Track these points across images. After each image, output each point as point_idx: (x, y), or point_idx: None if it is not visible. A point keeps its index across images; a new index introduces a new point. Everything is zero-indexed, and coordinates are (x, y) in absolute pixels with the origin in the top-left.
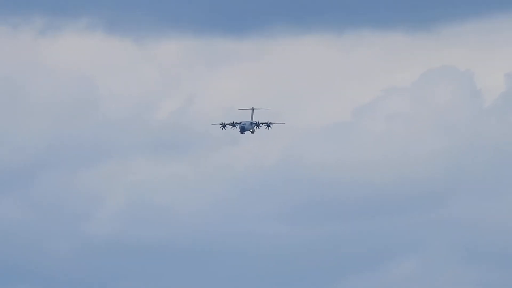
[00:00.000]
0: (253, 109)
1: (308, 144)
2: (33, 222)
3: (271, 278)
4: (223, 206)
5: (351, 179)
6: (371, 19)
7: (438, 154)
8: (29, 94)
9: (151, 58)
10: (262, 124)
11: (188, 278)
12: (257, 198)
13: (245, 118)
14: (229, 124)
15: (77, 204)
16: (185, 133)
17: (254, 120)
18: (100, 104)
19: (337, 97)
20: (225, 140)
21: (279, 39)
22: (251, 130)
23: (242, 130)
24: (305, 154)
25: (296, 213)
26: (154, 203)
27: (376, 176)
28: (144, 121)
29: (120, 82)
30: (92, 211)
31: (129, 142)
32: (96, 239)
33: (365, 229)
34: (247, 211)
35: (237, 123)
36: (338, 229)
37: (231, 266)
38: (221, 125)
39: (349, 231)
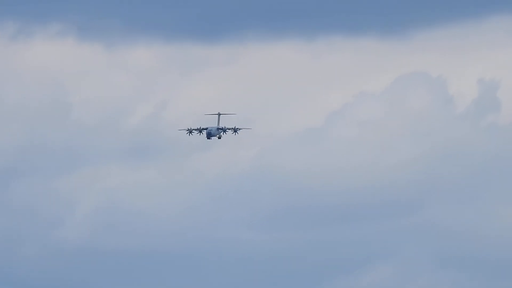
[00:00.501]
0: (219, 114)
1: (279, 150)
2: (5, 228)
3: (245, 285)
4: (197, 213)
5: (324, 185)
6: (342, 24)
7: (410, 160)
8: (0, 99)
9: (122, 64)
10: (229, 129)
11: (162, 284)
12: (230, 204)
13: (212, 123)
14: (195, 129)
15: (49, 210)
16: (158, 139)
17: (221, 126)
18: (71, 110)
19: (309, 103)
20: (197, 146)
21: (250, 45)
22: (217, 136)
23: (209, 135)
24: (276, 160)
25: (268, 220)
26: (128, 210)
27: (348, 183)
28: (115, 127)
29: (91, 88)
30: (64, 217)
31: (101, 149)
32: (69, 245)
33: (338, 236)
34: (219, 217)
35: (203, 129)
36: (310, 236)
37: (205, 272)
38: (187, 131)
39: (321, 238)
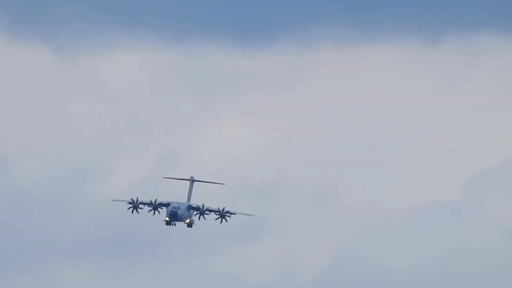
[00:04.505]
0: (192, 180)
1: (375, 246)
2: None
3: None
4: None
5: None
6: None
7: None
8: None
9: (85, 78)
10: (211, 211)
11: None
12: None
13: (178, 196)
14: (146, 203)
15: None
16: (146, 219)
17: (195, 204)
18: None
19: (433, 162)
20: (217, 235)
21: (321, 47)
22: (185, 221)
23: (173, 217)
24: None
25: None
26: None
27: None
28: (73, 196)
29: (30, 122)
30: None
31: (49, 239)
32: None
33: None
34: None
35: (162, 205)
36: None
37: None
38: (130, 204)
39: None
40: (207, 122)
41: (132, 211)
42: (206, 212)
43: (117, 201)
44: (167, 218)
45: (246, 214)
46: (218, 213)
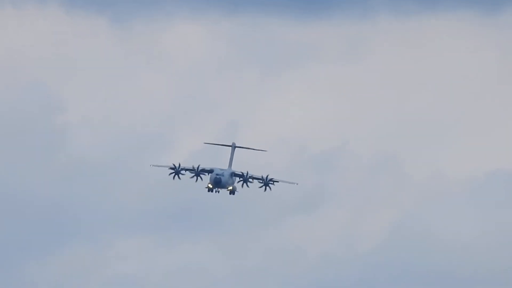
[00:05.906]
0: (234, 146)
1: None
2: None
3: None
4: None
5: None
6: None
7: None
8: None
9: (146, 49)
10: (254, 179)
11: None
12: None
13: (219, 163)
14: (188, 169)
15: None
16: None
17: (238, 171)
18: (64, 135)
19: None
20: (282, 202)
21: (381, 17)
22: (228, 188)
23: (217, 184)
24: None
25: None
26: None
27: None
28: (136, 169)
29: (96, 94)
30: None
31: (112, 207)
32: None
33: None
34: None
35: (204, 171)
36: None
37: None
38: (172, 170)
39: None
40: (266, 92)
41: (174, 177)
42: (251, 179)
43: (158, 166)
44: (209, 185)
45: (290, 182)
46: (261, 180)
